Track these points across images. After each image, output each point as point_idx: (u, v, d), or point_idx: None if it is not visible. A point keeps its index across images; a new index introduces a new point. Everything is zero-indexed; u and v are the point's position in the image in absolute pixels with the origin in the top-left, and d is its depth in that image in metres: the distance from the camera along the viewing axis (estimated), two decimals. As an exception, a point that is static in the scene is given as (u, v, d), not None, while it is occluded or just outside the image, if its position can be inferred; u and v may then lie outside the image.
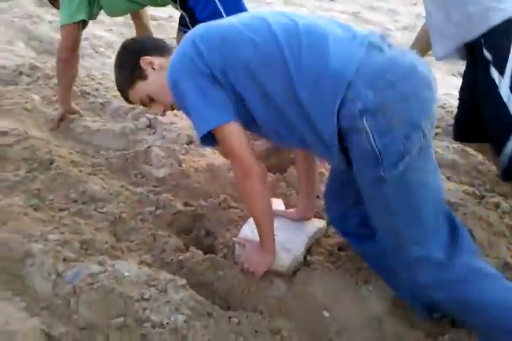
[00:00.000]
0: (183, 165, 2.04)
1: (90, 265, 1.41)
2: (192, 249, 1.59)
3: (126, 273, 1.39)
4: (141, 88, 1.38)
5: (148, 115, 2.38)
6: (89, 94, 2.66)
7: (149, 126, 2.33)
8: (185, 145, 2.18)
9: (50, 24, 3.91)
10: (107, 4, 2.19)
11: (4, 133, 2.13)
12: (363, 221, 1.42)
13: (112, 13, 2.30)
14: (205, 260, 1.52)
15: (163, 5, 2.26)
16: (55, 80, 2.59)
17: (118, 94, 2.65)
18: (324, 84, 1.12)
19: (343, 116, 1.12)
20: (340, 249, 1.62)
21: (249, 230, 1.56)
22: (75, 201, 1.80)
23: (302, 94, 1.14)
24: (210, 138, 1.27)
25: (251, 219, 1.55)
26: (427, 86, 1.14)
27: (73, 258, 1.46)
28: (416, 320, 1.39)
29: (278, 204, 1.73)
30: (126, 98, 1.45)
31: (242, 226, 1.64)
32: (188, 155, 2.12)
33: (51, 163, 1.98)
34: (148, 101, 1.41)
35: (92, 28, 3.58)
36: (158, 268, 1.50)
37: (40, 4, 4.46)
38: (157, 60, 1.36)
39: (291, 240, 1.53)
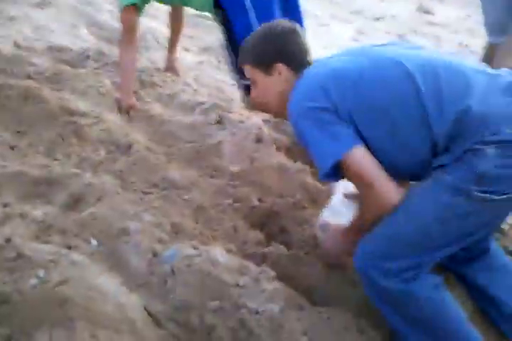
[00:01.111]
0: (255, 162, 2.09)
1: (185, 247, 1.46)
2: (274, 243, 1.64)
3: (220, 259, 1.44)
4: (258, 77, 1.45)
5: (218, 111, 2.44)
6: (157, 85, 2.72)
7: (219, 122, 2.39)
8: (254, 144, 2.24)
9: (109, 12, 3.98)
10: None
11: (83, 114, 2.18)
12: None
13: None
14: (288, 255, 1.57)
15: (203, 10, 2.44)
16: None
17: (186, 87, 2.78)
18: (465, 126, 1.15)
19: (474, 143, 1.14)
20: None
21: (329, 214, 1.59)
22: (156, 186, 1.85)
23: (437, 130, 1.17)
24: (332, 173, 1.26)
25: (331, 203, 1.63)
26: None
27: (166, 240, 1.51)
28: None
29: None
30: (240, 63, 1.50)
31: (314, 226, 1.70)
32: (258, 153, 2.17)
33: (129, 147, 2.04)
34: (254, 85, 1.47)
35: (154, 23, 3.66)
36: (243, 258, 1.55)
37: (98, -8, 4.55)
38: (287, 72, 1.42)
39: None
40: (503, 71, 1.28)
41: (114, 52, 3.05)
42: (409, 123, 1.21)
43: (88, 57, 2.97)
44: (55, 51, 2.99)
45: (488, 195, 1.13)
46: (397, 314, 1.28)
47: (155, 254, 1.44)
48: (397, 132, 1.23)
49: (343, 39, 4.88)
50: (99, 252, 1.42)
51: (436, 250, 1.24)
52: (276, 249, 1.60)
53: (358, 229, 1.34)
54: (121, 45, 2.45)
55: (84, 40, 3.38)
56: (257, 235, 1.68)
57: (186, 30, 3.63)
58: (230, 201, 1.84)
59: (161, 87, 2.71)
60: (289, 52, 1.42)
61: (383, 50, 1.38)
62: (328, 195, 1.82)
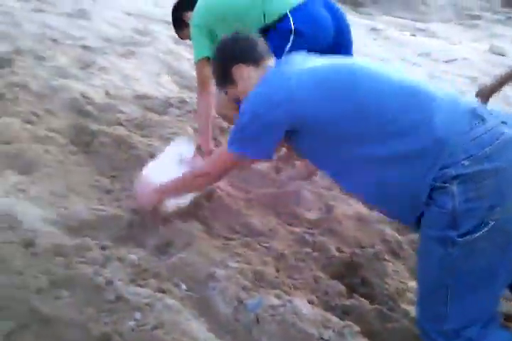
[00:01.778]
0: (333, 210, 2.12)
1: (269, 296, 1.50)
2: (355, 295, 1.64)
3: (304, 311, 1.46)
4: (231, 92, 1.60)
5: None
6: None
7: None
8: (332, 192, 2.27)
9: (188, 61, 4.26)
10: None
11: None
12: None
13: None
14: (372, 310, 1.56)
15: None
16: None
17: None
18: (426, 149, 1.21)
19: (436, 178, 1.19)
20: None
21: (150, 171, 1.81)
22: (238, 232, 1.92)
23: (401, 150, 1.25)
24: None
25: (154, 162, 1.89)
26: None
27: (250, 288, 1.55)
28: None
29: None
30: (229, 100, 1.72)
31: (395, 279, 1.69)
32: (335, 201, 2.20)
33: (212, 193, 2.13)
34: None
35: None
36: (325, 310, 1.56)
37: (177, 42, 4.89)
38: (246, 71, 1.52)
39: None
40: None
41: (194, 99, 3.25)
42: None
43: (171, 104, 3.18)
44: (141, 99, 3.22)
45: (469, 237, 1.16)
46: None
47: (240, 302, 1.48)
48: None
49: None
50: (188, 297, 1.48)
51: (471, 297, 1.22)
52: (359, 302, 1.59)
53: (167, 190, 1.70)
54: (198, 93, 2.52)
55: (167, 87, 3.62)
56: (338, 286, 1.68)
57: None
58: (309, 250, 1.86)
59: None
60: (236, 54, 1.53)
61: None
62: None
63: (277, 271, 1.74)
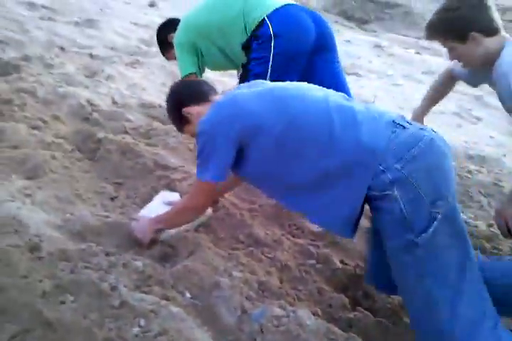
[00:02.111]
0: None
1: (273, 307, 1.49)
2: (359, 308, 1.64)
3: (307, 322, 1.46)
4: (190, 130, 1.67)
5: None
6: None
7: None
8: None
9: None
10: (209, 61, 2.51)
11: (174, 169, 2.33)
12: None
13: (214, 68, 2.70)
14: (375, 323, 1.55)
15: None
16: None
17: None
18: (357, 159, 1.30)
19: (374, 187, 1.28)
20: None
21: (146, 212, 1.87)
22: (242, 242, 1.92)
23: (331, 162, 1.33)
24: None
25: (149, 205, 1.93)
26: (444, 156, 1.31)
27: (255, 298, 1.55)
28: None
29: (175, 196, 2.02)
30: (181, 132, 1.77)
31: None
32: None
33: (216, 202, 2.14)
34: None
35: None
36: (328, 322, 1.55)
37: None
38: (195, 110, 1.62)
39: None
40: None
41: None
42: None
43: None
44: (147, 108, 3.24)
45: (425, 234, 1.25)
46: None
47: (244, 311, 1.48)
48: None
49: (416, 99, 4.94)
50: (193, 305, 1.48)
51: (463, 294, 1.26)
52: (363, 315, 1.59)
53: (160, 220, 1.70)
54: None
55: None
56: (341, 298, 1.68)
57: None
58: (313, 261, 1.86)
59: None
60: (182, 99, 1.66)
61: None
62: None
63: (281, 281, 1.74)
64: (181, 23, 2.50)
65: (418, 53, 6.10)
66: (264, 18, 2.16)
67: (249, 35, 2.23)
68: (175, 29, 2.53)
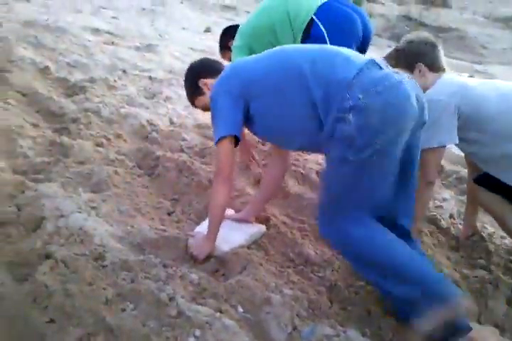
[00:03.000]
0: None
1: (323, 326, 1.51)
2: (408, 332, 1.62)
3: (358, 343, 1.46)
4: (201, 101, 1.92)
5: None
6: (293, 164, 2.91)
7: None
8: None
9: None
10: None
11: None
12: None
13: None
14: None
15: None
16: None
17: (317, 165, 2.91)
18: (332, 86, 1.51)
19: (338, 110, 1.49)
20: None
21: (201, 229, 1.93)
22: (292, 260, 1.95)
23: (316, 93, 1.54)
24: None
25: (204, 223, 1.97)
26: (406, 99, 1.47)
27: (305, 315, 1.58)
28: None
29: (228, 210, 2.10)
30: (192, 104, 2.00)
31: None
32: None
33: (267, 220, 2.19)
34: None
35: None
36: (378, 344, 1.55)
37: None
38: (210, 82, 1.86)
39: (233, 236, 1.93)
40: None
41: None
42: (294, 90, 1.60)
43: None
44: (202, 128, 3.36)
45: (360, 155, 1.47)
46: (365, 265, 1.60)
47: (294, 328, 1.51)
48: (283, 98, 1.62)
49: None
50: (245, 319, 1.52)
51: (361, 204, 1.58)
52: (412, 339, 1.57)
53: (211, 224, 1.80)
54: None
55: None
56: (391, 321, 1.67)
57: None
58: (363, 283, 1.86)
59: (295, 165, 2.90)
60: (201, 70, 1.92)
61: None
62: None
63: (330, 301, 1.75)
64: (237, 32, 2.65)
65: (472, 77, 6.01)
66: (312, 18, 2.27)
67: (301, 34, 2.33)
68: (233, 36, 2.68)
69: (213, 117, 1.75)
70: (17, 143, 2.42)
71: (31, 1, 5.99)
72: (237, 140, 1.74)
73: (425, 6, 7.41)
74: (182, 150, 2.86)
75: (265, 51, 1.79)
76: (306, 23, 2.30)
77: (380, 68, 1.55)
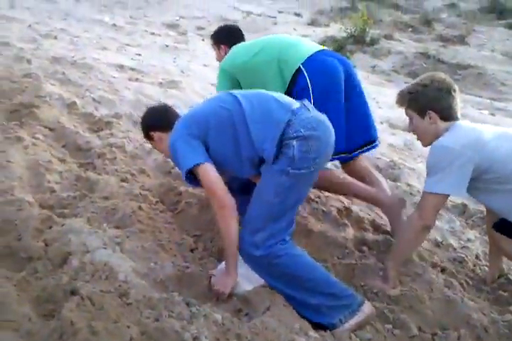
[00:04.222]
0: (415, 289, 2.06)
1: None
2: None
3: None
4: (157, 147, 2.19)
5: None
6: (313, 200, 2.91)
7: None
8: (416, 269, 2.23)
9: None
10: None
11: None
12: None
13: None
14: None
15: None
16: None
17: (338, 203, 2.89)
18: (270, 126, 1.84)
19: (283, 139, 1.81)
20: None
21: (223, 266, 1.92)
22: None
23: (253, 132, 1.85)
24: (193, 179, 1.88)
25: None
26: (330, 134, 1.91)
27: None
28: None
29: None
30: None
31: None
32: (415, 282, 2.15)
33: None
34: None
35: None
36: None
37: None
38: (159, 135, 2.10)
39: (253, 274, 1.91)
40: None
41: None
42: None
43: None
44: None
45: (297, 171, 1.80)
46: (277, 280, 1.83)
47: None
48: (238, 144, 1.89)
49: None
50: (269, 362, 1.49)
51: (282, 217, 1.84)
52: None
53: (227, 254, 1.89)
54: None
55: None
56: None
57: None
58: (390, 326, 1.82)
59: (316, 202, 2.89)
60: (152, 124, 2.15)
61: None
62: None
63: (358, 343, 1.71)
64: (231, 52, 2.69)
65: (492, 115, 6.01)
66: (300, 67, 2.40)
67: (287, 81, 2.45)
68: (229, 42, 2.77)
69: (177, 157, 1.90)
70: (44, 177, 2.47)
71: (59, 37, 6.24)
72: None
73: (443, 43, 7.53)
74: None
75: (214, 96, 2.14)
76: (293, 71, 2.43)
77: (308, 110, 1.91)
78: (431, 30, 8.20)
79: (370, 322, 1.82)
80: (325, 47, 2.60)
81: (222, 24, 3.25)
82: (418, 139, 2.12)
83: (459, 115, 2.02)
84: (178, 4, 9.55)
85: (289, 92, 2.45)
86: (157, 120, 2.13)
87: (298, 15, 9.05)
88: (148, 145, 3.21)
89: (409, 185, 3.26)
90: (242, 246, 1.84)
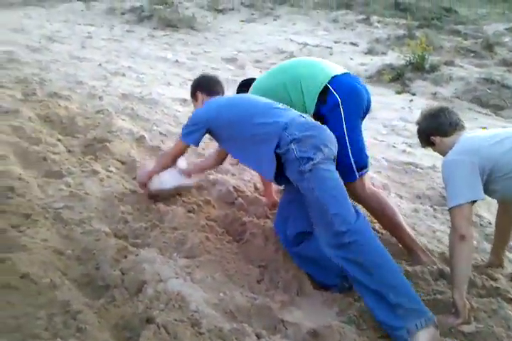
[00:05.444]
0: (492, 325, 1.97)
1: None
2: None
3: None
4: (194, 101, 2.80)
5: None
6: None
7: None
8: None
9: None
10: None
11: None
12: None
13: None
14: None
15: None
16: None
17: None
18: (269, 129, 2.20)
19: (281, 145, 2.14)
20: None
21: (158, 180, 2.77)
22: (386, 337, 1.88)
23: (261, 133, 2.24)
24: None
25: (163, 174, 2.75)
26: (323, 130, 2.21)
27: None
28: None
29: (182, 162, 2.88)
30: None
31: None
32: (493, 318, 2.05)
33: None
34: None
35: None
36: None
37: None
38: (202, 97, 2.70)
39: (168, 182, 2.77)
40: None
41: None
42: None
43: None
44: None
45: (309, 165, 2.06)
46: (359, 269, 1.92)
47: None
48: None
49: None
50: None
51: (346, 199, 2.09)
52: None
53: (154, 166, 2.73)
54: None
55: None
56: None
57: (396, 177, 3.88)
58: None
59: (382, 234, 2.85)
60: (201, 85, 2.81)
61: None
62: None
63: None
64: (253, 85, 2.77)
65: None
66: (327, 86, 2.44)
67: (314, 100, 2.47)
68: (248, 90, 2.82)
69: (188, 127, 2.48)
70: (118, 208, 2.61)
71: (126, 75, 6.63)
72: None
73: (507, 67, 7.30)
74: (267, 216, 2.92)
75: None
76: (319, 91, 2.46)
77: (304, 117, 2.25)
78: (493, 54, 7.98)
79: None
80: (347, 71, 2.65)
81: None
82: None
83: (458, 127, 2.23)
84: (236, 39, 9.90)
85: (317, 110, 2.49)
86: (205, 84, 2.71)
87: (354, 44, 9.11)
88: (212, 177, 3.32)
89: (479, 216, 3.15)
90: (326, 249, 2.01)
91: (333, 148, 2.18)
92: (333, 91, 2.44)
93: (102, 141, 3.69)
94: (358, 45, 9.01)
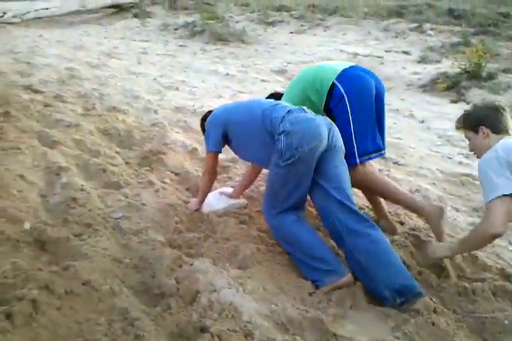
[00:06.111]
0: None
1: None
2: None
3: None
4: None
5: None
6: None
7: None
8: None
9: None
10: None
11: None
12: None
13: None
14: None
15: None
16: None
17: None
18: (274, 121, 2.41)
19: (277, 134, 2.34)
20: None
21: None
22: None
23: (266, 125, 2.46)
24: None
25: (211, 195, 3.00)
26: (316, 127, 2.29)
27: None
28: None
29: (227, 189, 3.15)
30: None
31: None
32: None
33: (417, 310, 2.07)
34: None
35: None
36: None
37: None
38: None
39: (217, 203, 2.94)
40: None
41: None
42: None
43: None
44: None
45: (286, 162, 2.27)
46: (285, 242, 2.41)
47: None
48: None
49: None
50: None
51: (287, 198, 2.36)
52: None
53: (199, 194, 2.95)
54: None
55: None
56: None
57: (453, 189, 3.76)
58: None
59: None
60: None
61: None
62: None
63: None
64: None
65: None
66: (334, 82, 2.61)
67: (324, 95, 2.66)
68: None
69: (206, 136, 2.76)
70: (173, 219, 2.69)
71: (180, 89, 6.83)
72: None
73: None
74: (318, 229, 2.91)
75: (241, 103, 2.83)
76: (329, 87, 2.63)
77: (305, 111, 2.41)
78: (554, 61, 7.63)
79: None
80: (356, 64, 2.80)
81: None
82: (475, 154, 2.33)
83: (508, 130, 2.21)
84: (286, 51, 9.97)
85: (326, 106, 2.67)
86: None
87: (406, 53, 8.94)
88: (263, 188, 3.35)
89: None
90: (265, 217, 2.49)
91: (324, 141, 2.28)
92: (338, 84, 2.61)
93: (157, 153, 3.82)
94: (410, 54, 8.84)
